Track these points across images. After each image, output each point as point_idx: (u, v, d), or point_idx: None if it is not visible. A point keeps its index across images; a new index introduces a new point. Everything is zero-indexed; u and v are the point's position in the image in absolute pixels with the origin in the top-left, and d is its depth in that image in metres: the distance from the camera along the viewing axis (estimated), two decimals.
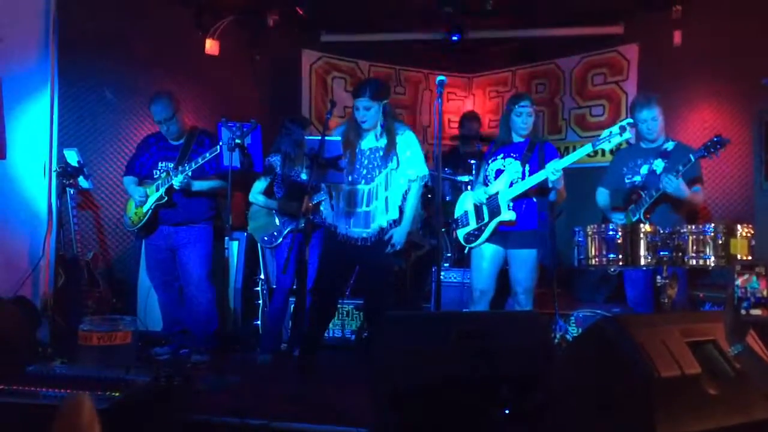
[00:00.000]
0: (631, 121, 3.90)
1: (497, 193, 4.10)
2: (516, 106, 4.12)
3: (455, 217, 4.40)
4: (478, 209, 4.21)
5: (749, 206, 5.36)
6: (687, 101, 5.94)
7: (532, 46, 7.18)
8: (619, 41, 6.60)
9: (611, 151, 6.38)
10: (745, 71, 5.39)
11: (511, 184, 4.07)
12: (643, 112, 4.06)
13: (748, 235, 3.49)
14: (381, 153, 4.01)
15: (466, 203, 4.35)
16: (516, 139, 4.18)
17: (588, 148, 3.87)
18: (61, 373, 3.00)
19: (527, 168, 4.06)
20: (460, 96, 7.81)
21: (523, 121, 4.12)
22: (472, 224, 4.23)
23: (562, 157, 4.04)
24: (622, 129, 3.76)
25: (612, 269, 4.00)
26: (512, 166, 4.09)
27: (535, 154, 4.08)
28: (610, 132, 3.81)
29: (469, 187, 5.25)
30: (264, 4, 6.26)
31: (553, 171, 3.86)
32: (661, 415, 2.16)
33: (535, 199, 4.07)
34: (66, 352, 3.94)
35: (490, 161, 4.25)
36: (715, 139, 3.66)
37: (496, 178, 4.16)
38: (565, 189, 4.05)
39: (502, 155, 4.19)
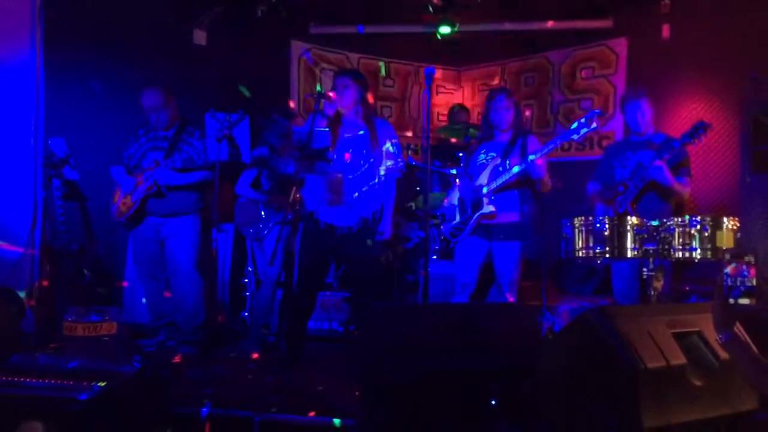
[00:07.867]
0: (598, 111, 3.90)
1: (480, 187, 4.14)
2: (491, 102, 4.21)
3: (442, 211, 4.43)
4: (462, 203, 4.25)
5: (735, 198, 5.39)
6: (675, 95, 5.97)
7: (522, 40, 7.16)
8: (608, 35, 6.60)
9: (600, 144, 6.43)
10: (732, 65, 5.44)
11: (493, 178, 4.09)
12: (632, 104, 4.13)
13: (734, 227, 3.52)
14: (365, 143, 4.02)
15: (452, 197, 4.38)
16: (498, 134, 4.23)
17: (560, 140, 3.95)
18: (45, 363, 2.98)
19: (508, 162, 4.09)
20: (449, 89, 7.78)
21: (501, 116, 4.18)
22: (457, 218, 4.27)
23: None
24: (589, 120, 3.77)
25: (599, 261, 4.02)
26: (494, 161, 4.14)
27: (516, 148, 4.14)
28: (578, 123, 3.83)
29: (456, 181, 5.27)
30: None
31: (527, 162, 3.92)
32: (646, 406, 2.17)
33: (516, 191, 4.09)
34: (51, 343, 3.92)
35: (474, 156, 4.28)
36: (698, 124, 3.74)
37: (480, 172, 4.19)
38: (549, 178, 4.08)
39: (484, 150, 4.26)
